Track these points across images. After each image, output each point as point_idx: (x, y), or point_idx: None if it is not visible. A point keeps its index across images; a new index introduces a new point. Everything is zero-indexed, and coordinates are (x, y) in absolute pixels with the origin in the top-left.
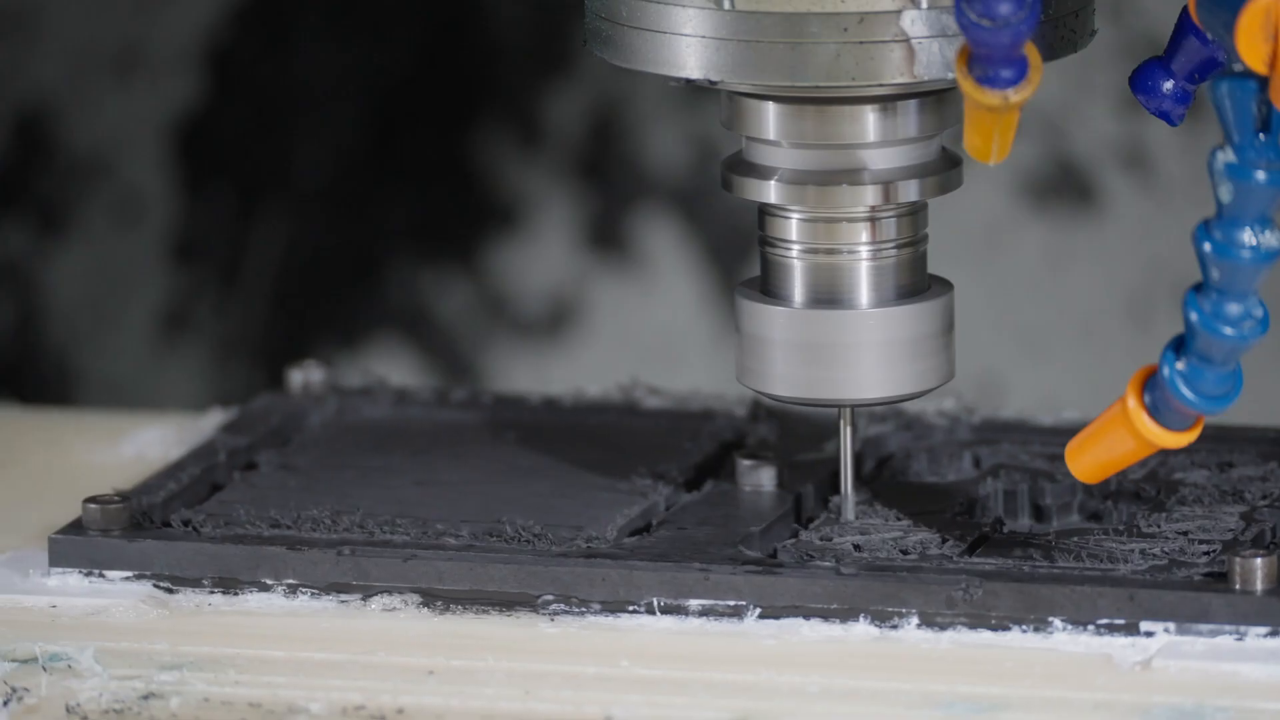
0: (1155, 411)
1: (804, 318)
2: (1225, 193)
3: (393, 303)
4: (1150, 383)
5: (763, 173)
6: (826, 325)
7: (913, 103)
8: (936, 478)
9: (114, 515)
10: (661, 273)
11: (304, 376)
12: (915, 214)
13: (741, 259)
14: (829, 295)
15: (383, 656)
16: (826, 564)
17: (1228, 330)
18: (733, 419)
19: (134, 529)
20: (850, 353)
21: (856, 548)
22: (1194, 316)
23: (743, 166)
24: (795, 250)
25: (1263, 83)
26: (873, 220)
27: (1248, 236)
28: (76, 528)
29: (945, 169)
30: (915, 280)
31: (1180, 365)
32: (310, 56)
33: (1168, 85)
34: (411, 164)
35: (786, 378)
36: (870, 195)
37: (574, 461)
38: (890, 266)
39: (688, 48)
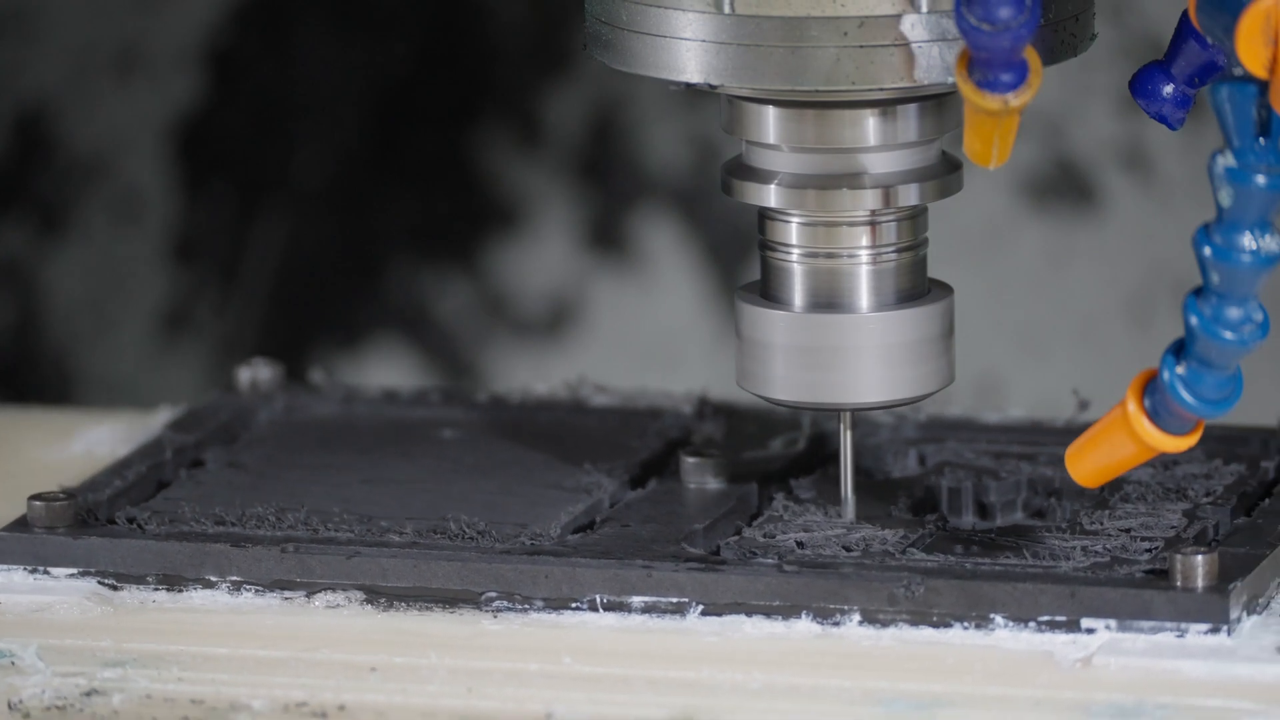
0: (1155, 415)
1: (804, 322)
2: (1225, 197)
3: (393, 303)
4: (1150, 387)
5: (763, 177)
6: (827, 329)
7: (913, 107)
8: (881, 475)
9: (59, 512)
10: (661, 273)
11: (252, 374)
12: (915, 218)
13: (741, 259)
14: (829, 299)
15: (325, 654)
16: (769, 561)
17: (1228, 334)
18: (680, 416)
19: (79, 526)
20: (850, 356)
21: (799, 545)
22: (1194, 320)
23: (743, 170)
24: (795, 254)
25: (1263, 87)
26: (873, 224)
27: (1248, 241)
28: (21, 525)
29: (945, 173)
30: (915, 284)
31: (1180, 369)
32: (310, 56)
33: (1168, 89)
34: (411, 164)
35: (787, 382)
36: (870, 199)
37: (520, 459)
38: (890, 270)
39: (687, 52)
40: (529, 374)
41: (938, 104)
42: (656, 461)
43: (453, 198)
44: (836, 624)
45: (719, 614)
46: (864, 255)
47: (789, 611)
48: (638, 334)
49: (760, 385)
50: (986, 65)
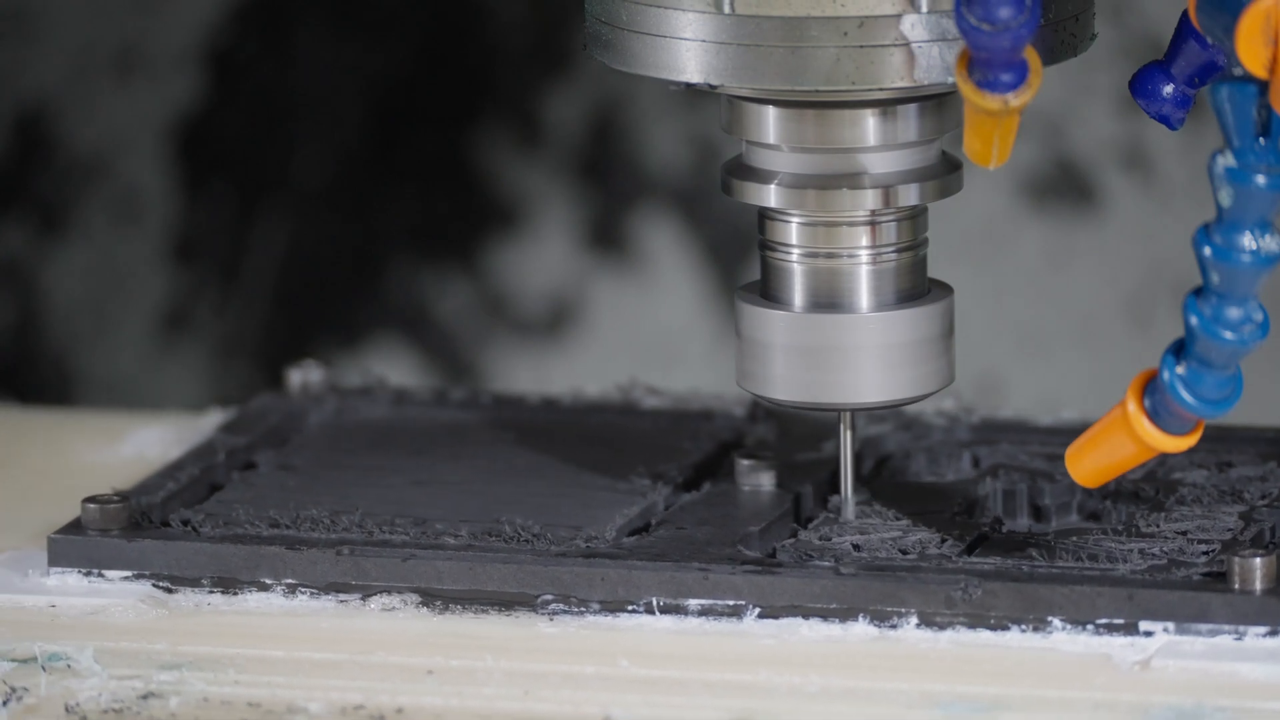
0: (1155, 415)
1: (804, 322)
2: (1225, 197)
3: (393, 303)
4: (1150, 387)
5: (763, 177)
6: (826, 329)
7: (913, 107)
8: (935, 477)
9: (113, 515)
10: (661, 273)
11: (303, 376)
12: (915, 218)
13: (741, 259)
14: (829, 299)
15: (382, 656)
16: (826, 564)
17: (1228, 334)
18: (732, 419)
19: (133, 528)
20: (850, 356)
21: (855, 548)
22: (1194, 320)
23: (743, 170)
24: (795, 254)
25: (1263, 87)
26: (873, 224)
27: (1248, 241)
28: (75, 527)
29: (945, 173)
30: (915, 284)
31: (1180, 369)
32: (310, 56)
33: (1168, 89)
34: (411, 164)
35: (786, 382)
36: (870, 199)
37: (573, 461)
38: (890, 270)
39: (687, 52)
40: (529, 374)
41: (938, 104)
42: (709, 464)
43: (453, 198)
44: (894, 627)
45: (776, 617)
46: (864, 255)
47: (846, 614)
48: (637, 334)
49: (760, 385)
50: (986, 65)
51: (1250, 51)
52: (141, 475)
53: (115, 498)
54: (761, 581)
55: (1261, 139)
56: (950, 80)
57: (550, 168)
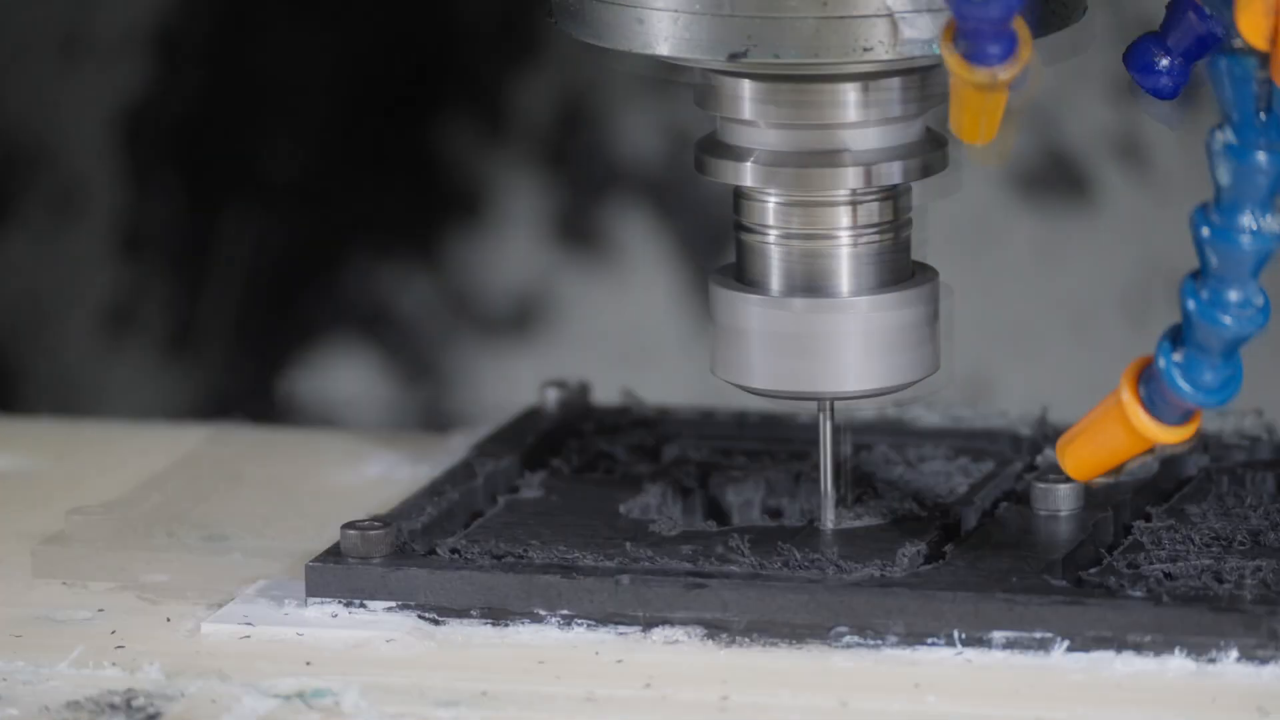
0: (1151, 405)
1: (782, 307)
2: (1224, 175)
3: (349, 299)
4: (1146, 375)
5: (739, 154)
6: (805, 314)
7: (895, 81)
8: (1236, 500)
9: (375, 542)
10: (633, 267)
11: (560, 394)
12: (898, 197)
13: (717, 251)
14: (808, 283)
15: (668, 691)
16: (1138, 593)
17: (1226, 319)
18: (1018, 439)
19: (397, 556)
20: (831, 343)
21: (1168, 575)
22: (1191, 305)
23: (718, 148)
24: (772, 235)
25: (1263, 59)
26: (854, 204)
27: (1247, 220)
28: (335, 555)
29: (929, 150)
30: (899, 267)
31: (1177, 357)
32: (264, 40)
33: (1164, 62)
34: (370, 153)
35: (764, 370)
36: (851, 178)
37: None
38: (873, 252)
39: (659, 22)
40: (494, 374)
41: (921, 78)
42: (1000, 487)
43: (412, 188)
44: (1212, 661)
45: (1086, 649)
46: (844, 236)
47: (1162, 647)
48: (609, 330)
49: (736, 374)
50: (974, 37)
51: (1250, 22)
52: (390, 500)
53: (377, 523)
54: (1070, 612)
55: (1262, 114)
56: (935, 52)
57: (516, 157)
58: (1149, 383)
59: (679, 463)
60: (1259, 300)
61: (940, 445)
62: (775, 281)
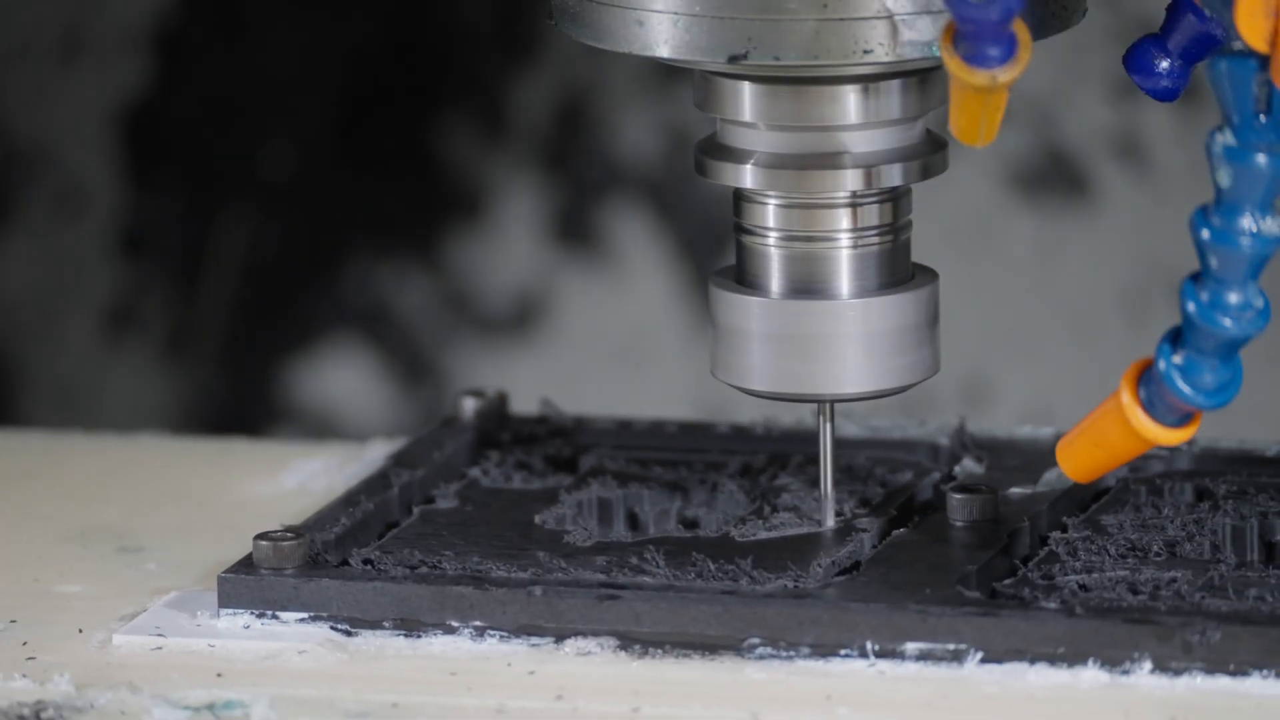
0: (1151, 407)
1: (782, 308)
2: (1224, 177)
3: (349, 299)
4: (1145, 377)
5: (739, 156)
6: (805, 316)
7: (895, 83)
8: (1154, 510)
9: (287, 553)
10: (632, 267)
11: (475, 404)
12: (898, 200)
13: (716, 253)
14: (808, 284)
15: (580, 703)
16: (1052, 605)
17: (1226, 321)
18: (937, 449)
19: (309, 567)
20: (830, 345)
21: (1083, 587)
22: (1191, 307)
23: (717, 150)
24: (772, 237)
25: (1263, 61)
26: (854, 206)
27: (1247, 222)
28: (247, 566)
29: (930, 152)
30: (898, 269)
31: (1177, 359)
32: (266, 41)
33: (1164, 64)
34: (370, 153)
35: (764, 371)
36: (851, 180)
37: (770, 494)
38: (872, 254)
39: (659, 24)
40: (493, 374)
41: (921, 80)
42: (918, 498)
43: (412, 188)
44: (1126, 673)
45: (999, 661)
46: (845, 239)
47: (1075, 659)
48: (608, 331)
49: (736, 375)
50: (974, 39)
51: (1250, 24)
52: (307, 510)
53: (289, 534)
54: (984, 623)
55: (1262, 116)
56: (935, 54)
57: (516, 157)
58: (1149, 384)
59: (595, 473)
60: (1259, 302)
61: (859, 455)
62: (775, 283)
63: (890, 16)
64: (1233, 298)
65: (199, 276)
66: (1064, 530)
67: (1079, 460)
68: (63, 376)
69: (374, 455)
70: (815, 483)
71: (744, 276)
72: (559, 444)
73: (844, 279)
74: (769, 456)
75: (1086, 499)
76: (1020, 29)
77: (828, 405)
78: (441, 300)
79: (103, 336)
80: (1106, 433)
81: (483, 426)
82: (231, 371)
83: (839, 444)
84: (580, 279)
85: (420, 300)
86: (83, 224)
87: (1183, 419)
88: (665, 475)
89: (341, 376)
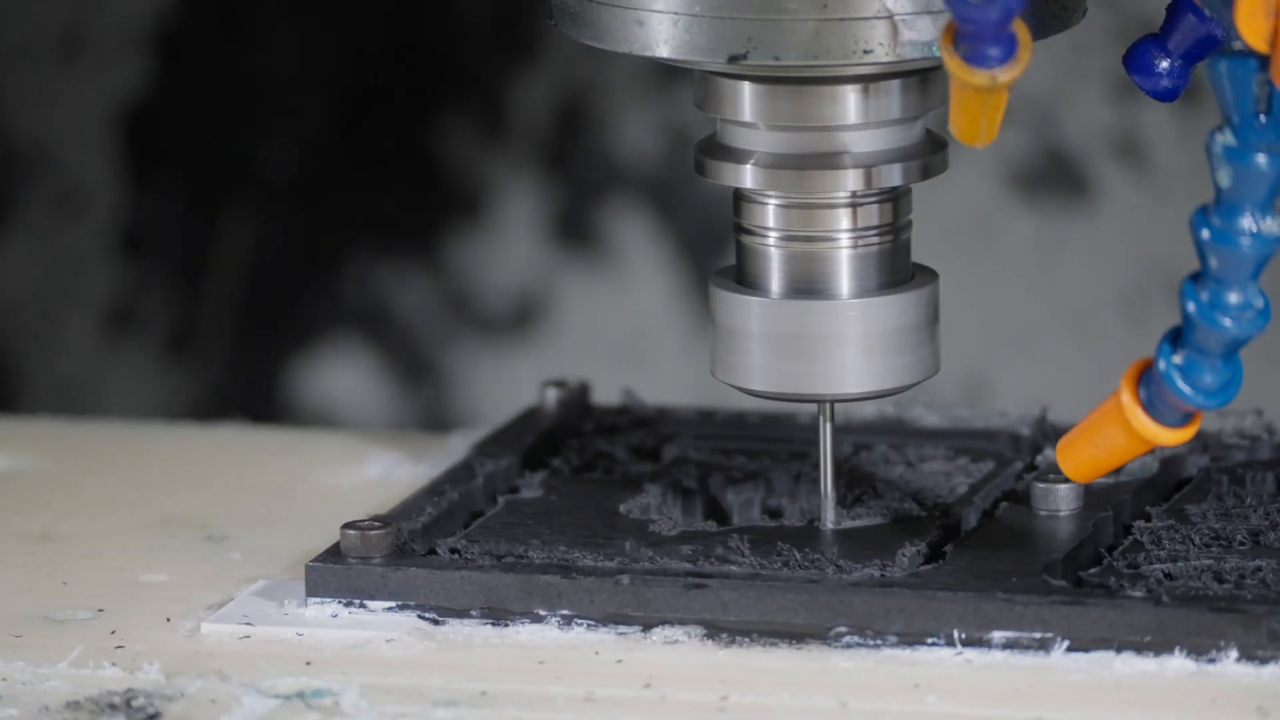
0: (1151, 407)
1: (782, 308)
2: (1224, 177)
3: (349, 299)
4: (1145, 377)
5: (739, 156)
6: (805, 316)
7: (895, 83)
8: (1236, 500)
9: (375, 542)
10: (632, 267)
11: (559, 394)
12: (898, 200)
13: (716, 252)
14: (808, 285)
15: (667, 692)
16: (1138, 593)
17: (1226, 321)
18: (1019, 439)
19: (397, 556)
20: (830, 345)
21: (1168, 576)
22: (1191, 307)
23: (717, 150)
24: (772, 237)
25: (1263, 61)
26: (854, 206)
27: (1247, 222)
28: (335, 555)
29: (930, 153)
30: (898, 269)
31: (1177, 358)
32: (266, 41)
33: (1164, 64)
34: (370, 153)
35: (764, 371)
36: (851, 180)
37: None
38: (872, 254)
39: (659, 24)
40: (493, 374)
41: (922, 80)
42: (1000, 486)
43: (412, 188)
44: (1212, 661)
45: (1086, 650)
46: (844, 239)
47: (1161, 647)
48: (608, 331)
49: (736, 375)
50: (974, 39)
51: (1250, 24)
52: (388, 499)
53: (377, 523)
54: (1070, 612)
55: (1262, 116)
56: (935, 54)
57: (515, 157)
58: (1149, 384)
59: (679, 463)
60: (1259, 302)
61: (940, 445)
62: (775, 283)
63: (890, 16)
64: (1233, 298)
65: (199, 276)
66: (1147, 519)
67: (1079, 460)
68: (63, 376)
69: (455, 445)
70: (898, 474)
71: (744, 276)
72: (641, 434)
73: (844, 279)
74: (853, 447)
75: (1169, 488)
76: (1020, 29)
77: (828, 405)
78: (441, 300)
79: (103, 337)
80: (1106, 433)
81: (565, 417)
82: (232, 371)
83: (922, 433)
84: (580, 279)
85: (420, 300)
86: (83, 224)
87: (1183, 419)
88: (748, 465)
89: (342, 376)
